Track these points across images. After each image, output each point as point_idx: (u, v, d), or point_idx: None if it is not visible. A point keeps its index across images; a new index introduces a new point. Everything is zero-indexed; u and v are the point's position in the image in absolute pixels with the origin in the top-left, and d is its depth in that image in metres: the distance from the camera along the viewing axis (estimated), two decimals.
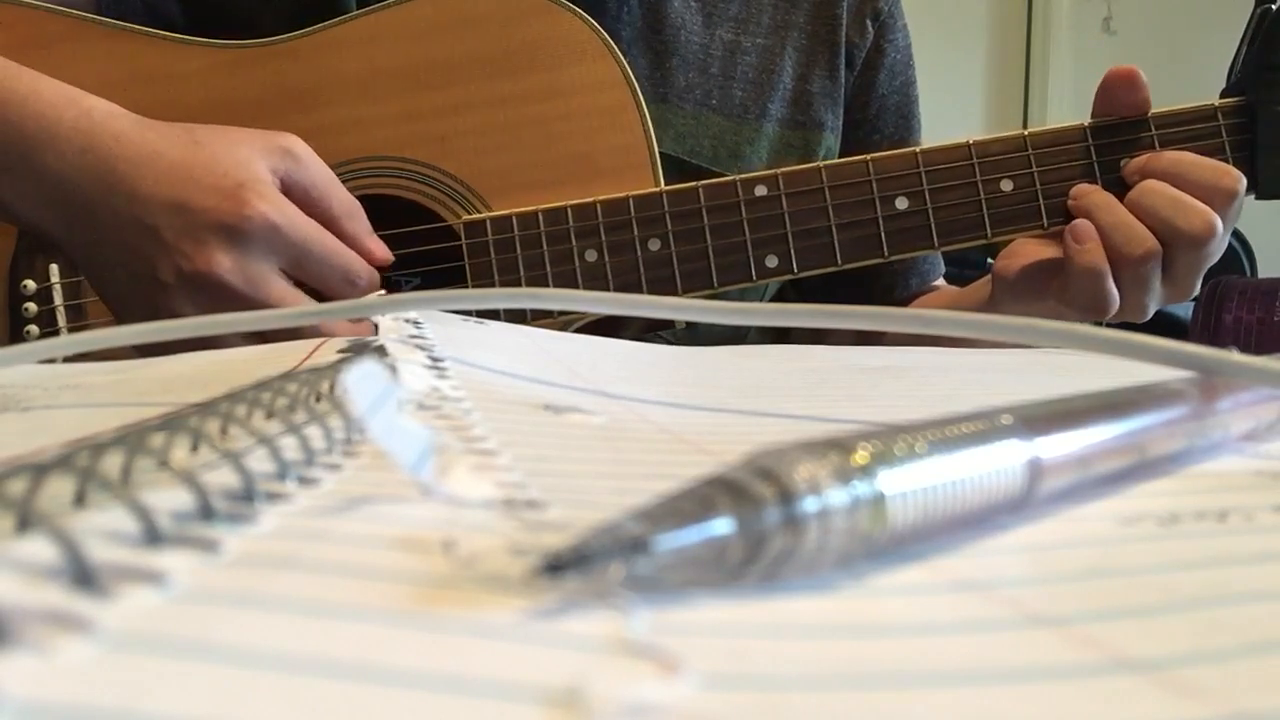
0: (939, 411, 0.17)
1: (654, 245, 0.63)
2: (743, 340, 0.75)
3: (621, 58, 0.66)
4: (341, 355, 0.32)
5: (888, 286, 0.80)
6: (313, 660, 0.11)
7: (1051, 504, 0.18)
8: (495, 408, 0.24)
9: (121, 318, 0.60)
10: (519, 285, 0.63)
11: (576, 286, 0.63)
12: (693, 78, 0.75)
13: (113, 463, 0.17)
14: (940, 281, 0.83)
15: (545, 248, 0.63)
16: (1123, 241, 0.61)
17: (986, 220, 0.64)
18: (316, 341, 0.37)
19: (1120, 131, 0.64)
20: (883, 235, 0.63)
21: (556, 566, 0.13)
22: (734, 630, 0.13)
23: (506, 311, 0.57)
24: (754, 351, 0.48)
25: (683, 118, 0.75)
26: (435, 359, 0.27)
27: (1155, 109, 0.64)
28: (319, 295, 0.60)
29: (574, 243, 0.63)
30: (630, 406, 0.28)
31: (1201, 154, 0.62)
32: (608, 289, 0.63)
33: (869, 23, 0.80)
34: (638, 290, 0.63)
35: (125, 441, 0.17)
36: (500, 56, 0.66)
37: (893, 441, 0.15)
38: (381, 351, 0.27)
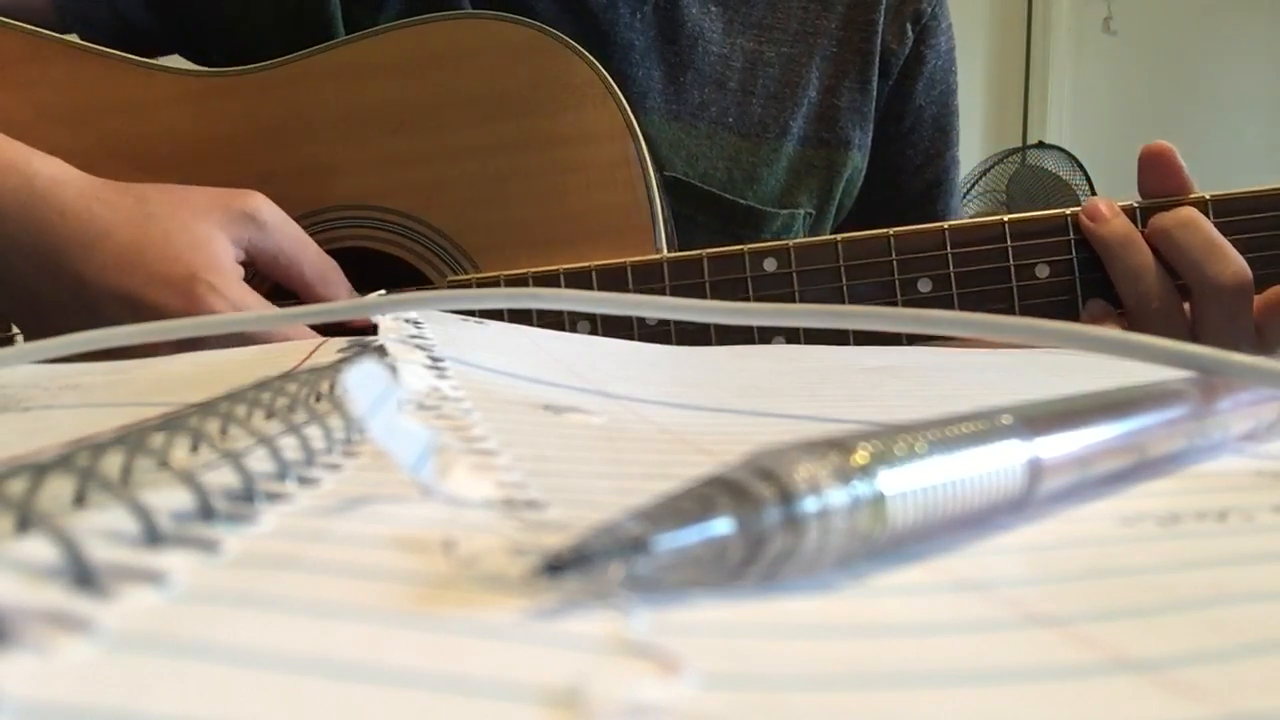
0: (939, 411, 0.17)
1: (652, 319, 0.56)
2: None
3: (624, 103, 0.59)
4: (341, 355, 0.32)
5: None
6: (313, 660, 0.11)
7: (1051, 504, 0.18)
8: (495, 408, 0.24)
9: None
10: None
11: None
12: (709, 93, 0.69)
13: (113, 463, 0.17)
14: None
15: (534, 314, 0.56)
16: (1147, 291, 0.54)
17: (1017, 310, 0.57)
18: (316, 341, 0.37)
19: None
20: None
21: (556, 566, 0.13)
22: (734, 630, 0.13)
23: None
24: (754, 351, 0.48)
25: (696, 138, 0.68)
26: (435, 359, 0.27)
27: (1216, 192, 0.56)
28: None
29: (566, 311, 0.56)
30: (630, 406, 0.28)
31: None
32: None
33: (909, 26, 0.73)
34: None
35: (125, 441, 0.17)
36: (492, 98, 0.59)
37: (893, 441, 0.15)
38: (381, 351, 0.27)
